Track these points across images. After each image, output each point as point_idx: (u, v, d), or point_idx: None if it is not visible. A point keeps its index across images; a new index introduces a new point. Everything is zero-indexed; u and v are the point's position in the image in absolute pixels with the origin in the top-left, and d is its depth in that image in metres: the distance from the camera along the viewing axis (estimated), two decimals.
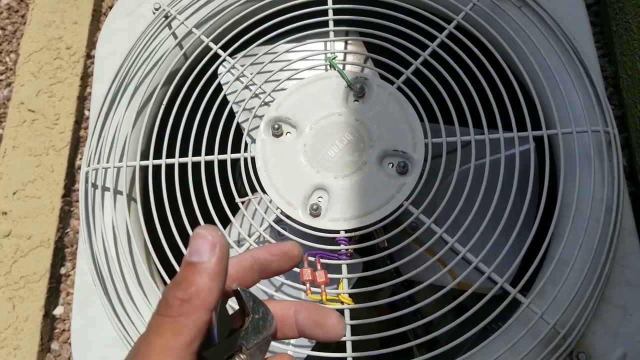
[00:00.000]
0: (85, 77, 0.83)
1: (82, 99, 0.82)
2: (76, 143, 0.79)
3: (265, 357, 0.25)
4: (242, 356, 0.23)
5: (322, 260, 0.49)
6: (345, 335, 0.27)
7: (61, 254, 0.73)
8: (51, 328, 0.69)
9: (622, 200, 0.50)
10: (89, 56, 0.84)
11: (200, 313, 0.21)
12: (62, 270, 0.73)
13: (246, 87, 0.58)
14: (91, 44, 0.85)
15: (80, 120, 0.81)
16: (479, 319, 0.46)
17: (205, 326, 0.22)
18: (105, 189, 0.55)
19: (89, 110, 0.81)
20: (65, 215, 0.75)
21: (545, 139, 0.51)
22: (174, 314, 0.21)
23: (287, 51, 0.58)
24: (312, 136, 0.52)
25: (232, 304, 0.28)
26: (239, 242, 0.57)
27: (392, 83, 0.54)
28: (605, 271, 0.47)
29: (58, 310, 0.70)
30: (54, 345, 0.69)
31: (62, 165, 0.76)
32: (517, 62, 0.54)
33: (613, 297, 0.48)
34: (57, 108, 0.79)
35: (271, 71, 0.57)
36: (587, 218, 0.49)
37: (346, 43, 0.61)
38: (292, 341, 0.53)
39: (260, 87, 0.57)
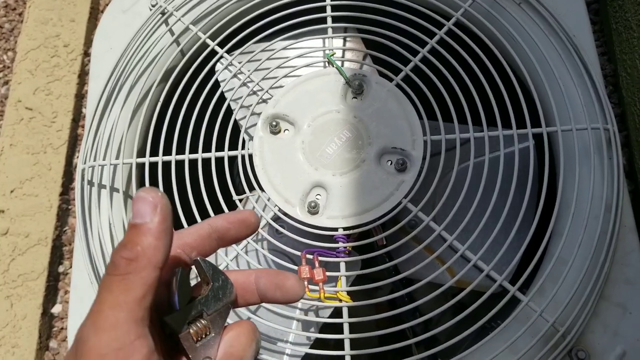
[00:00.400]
0: (83, 75, 0.82)
1: (80, 97, 0.81)
2: (74, 141, 0.79)
3: (226, 323, 0.26)
4: (202, 321, 0.24)
5: (320, 258, 0.49)
6: (302, 297, 0.28)
7: (59, 252, 0.73)
8: (49, 326, 0.69)
9: (622, 198, 0.50)
10: (87, 54, 0.83)
11: (149, 270, 0.22)
12: (60, 269, 0.72)
13: (244, 84, 0.57)
14: (89, 41, 0.84)
15: (77, 118, 0.80)
16: (478, 317, 0.46)
17: (155, 283, 0.22)
18: (101, 186, 0.55)
19: (86, 107, 0.81)
20: (63, 214, 0.75)
21: (545, 136, 0.51)
22: (122, 272, 0.21)
23: (284, 48, 0.58)
24: (310, 133, 0.52)
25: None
26: None
27: (390, 80, 0.54)
28: (605, 269, 0.47)
29: (56, 309, 0.70)
30: (52, 344, 0.68)
31: (59, 163, 0.76)
32: (516, 59, 0.54)
33: (612, 295, 0.48)
34: (54, 106, 0.79)
35: (269, 68, 0.57)
36: (586, 216, 0.48)
37: (344, 40, 0.61)
38: (290, 339, 0.53)
39: (257, 84, 0.57)
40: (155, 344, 0.22)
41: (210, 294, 0.25)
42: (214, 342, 0.25)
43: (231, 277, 0.27)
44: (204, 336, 0.24)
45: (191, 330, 0.24)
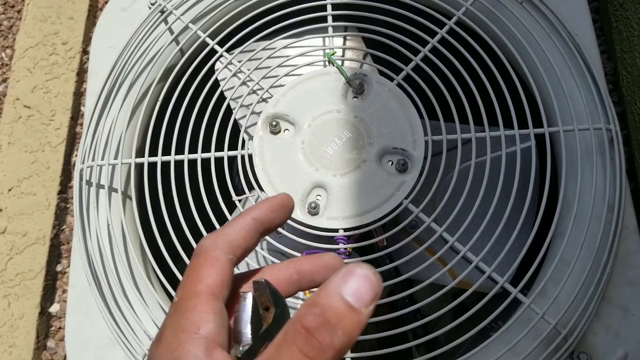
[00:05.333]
0: (82, 73, 0.82)
1: (78, 95, 0.81)
2: (72, 139, 0.79)
3: None
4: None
5: None
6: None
7: (57, 251, 0.72)
8: (47, 326, 0.69)
9: (624, 199, 0.49)
10: (85, 52, 0.83)
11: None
12: (58, 268, 0.72)
13: (244, 83, 0.57)
14: (87, 39, 0.84)
15: (76, 116, 0.80)
16: (479, 319, 0.45)
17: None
18: (99, 186, 0.54)
19: (85, 106, 0.80)
20: (61, 212, 0.74)
21: (547, 136, 0.51)
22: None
23: (285, 47, 0.57)
24: (311, 133, 0.52)
25: None
26: None
27: (391, 79, 0.53)
28: (607, 271, 0.47)
29: (54, 308, 0.70)
30: (50, 343, 0.68)
31: (58, 161, 0.76)
32: (518, 58, 0.53)
33: (614, 297, 0.48)
34: (53, 104, 0.79)
35: (269, 67, 0.56)
36: (588, 217, 0.48)
37: (345, 39, 0.61)
38: None
39: (257, 83, 0.56)
40: None
41: (273, 320, 0.21)
42: None
43: (270, 275, 0.24)
44: None
45: None
